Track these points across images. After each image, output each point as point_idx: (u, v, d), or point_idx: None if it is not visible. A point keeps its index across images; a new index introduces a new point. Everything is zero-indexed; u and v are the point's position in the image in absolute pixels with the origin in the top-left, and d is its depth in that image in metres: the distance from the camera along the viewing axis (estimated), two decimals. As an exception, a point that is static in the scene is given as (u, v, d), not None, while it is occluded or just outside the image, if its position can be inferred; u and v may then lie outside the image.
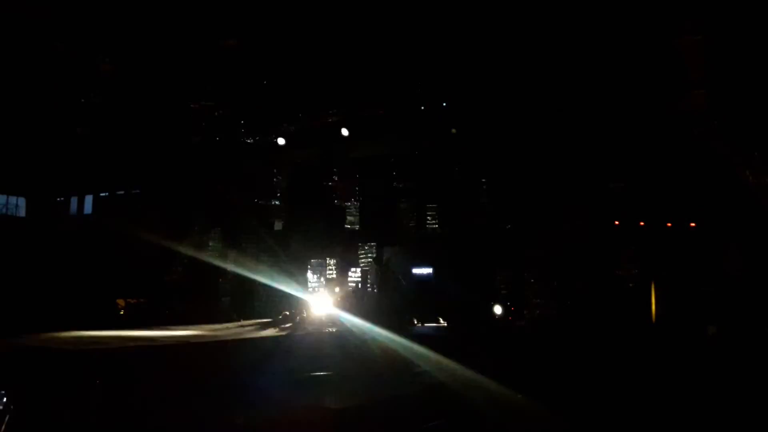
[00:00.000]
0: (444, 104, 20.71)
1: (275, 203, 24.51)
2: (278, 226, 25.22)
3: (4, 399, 9.35)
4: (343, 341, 17.83)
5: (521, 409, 10.61)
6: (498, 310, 18.83)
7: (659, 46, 16.25)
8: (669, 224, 18.99)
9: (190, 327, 19.70)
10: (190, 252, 24.89)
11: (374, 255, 25.79)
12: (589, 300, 19.75)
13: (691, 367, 13.76)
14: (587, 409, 10.10)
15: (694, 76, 16.28)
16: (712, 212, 18.05)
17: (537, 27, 16.51)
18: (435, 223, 23.91)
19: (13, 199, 29.67)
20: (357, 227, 24.47)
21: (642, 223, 19.21)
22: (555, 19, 16.34)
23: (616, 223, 19.73)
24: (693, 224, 18.81)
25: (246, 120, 21.48)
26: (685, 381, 12.51)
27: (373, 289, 25.14)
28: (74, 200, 30.90)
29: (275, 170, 24.04)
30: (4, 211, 29.42)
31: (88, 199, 30.60)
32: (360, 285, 25.33)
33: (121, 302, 22.59)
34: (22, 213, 30.00)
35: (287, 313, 22.30)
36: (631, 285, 19.31)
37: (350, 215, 24.34)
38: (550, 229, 19.45)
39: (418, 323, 21.22)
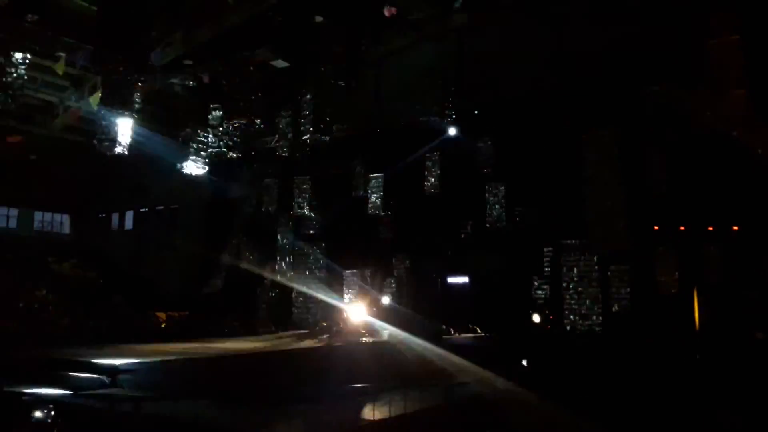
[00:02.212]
0: (476, 112, 20.62)
1: (311, 215, 24.71)
2: (315, 237, 25.40)
3: (52, 413, 9.64)
4: (380, 352, 17.85)
5: (561, 423, 10.46)
6: (536, 318, 18.61)
7: (697, 47, 15.92)
8: (711, 228, 18.54)
9: (230, 339, 19.95)
10: (228, 265, 25.26)
11: (409, 265, 25.78)
12: (632, 306, 19.40)
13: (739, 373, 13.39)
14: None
15: (733, 77, 15.87)
16: (755, 214, 17.57)
17: (572, 33, 16.24)
18: (471, 233, 23.84)
19: (57, 216, 30.66)
20: (392, 237, 24.49)
21: (682, 228, 18.78)
22: (593, 24, 16.09)
23: (656, 228, 19.34)
24: (736, 227, 18.33)
25: (280, 133, 21.72)
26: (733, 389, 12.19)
27: (409, 298, 25.12)
28: (115, 216, 31.75)
29: (311, 182, 24.29)
30: (49, 228, 30.40)
31: (129, 215, 31.41)
32: (396, 294, 25.33)
33: (162, 315, 22.98)
34: (66, 230, 30.95)
35: (324, 324, 22.42)
36: (673, 291, 18.87)
37: (385, 226, 24.38)
38: (590, 235, 19.14)
39: (454, 333, 21.09)
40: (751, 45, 14.08)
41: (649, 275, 19.15)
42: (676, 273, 18.82)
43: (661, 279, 19.05)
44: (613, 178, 18.41)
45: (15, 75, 17.22)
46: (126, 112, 16.59)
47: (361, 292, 25.38)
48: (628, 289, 19.58)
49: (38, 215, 30.13)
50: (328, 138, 22.49)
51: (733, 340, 16.00)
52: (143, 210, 30.71)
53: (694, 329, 17.49)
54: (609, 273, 19.87)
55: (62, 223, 30.82)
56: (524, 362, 13.26)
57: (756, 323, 16.64)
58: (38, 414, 9.56)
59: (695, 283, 18.16)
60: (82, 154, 22.89)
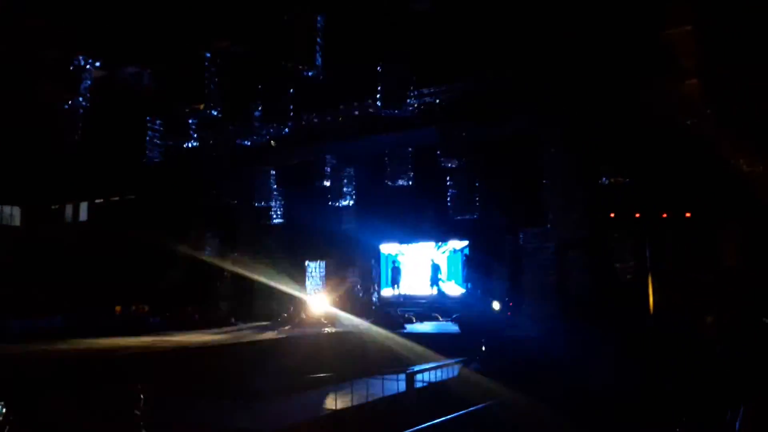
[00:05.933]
0: (438, 101, 20.62)
1: (271, 205, 24.46)
2: (275, 227, 25.19)
3: (4, 410, 9.35)
4: (342, 341, 17.82)
5: (517, 407, 10.63)
6: (496, 305, 18.79)
7: (651, 37, 16.22)
8: (665, 215, 18.98)
9: (189, 332, 19.67)
10: (187, 257, 24.86)
11: (372, 253, 25.82)
12: (589, 293, 19.76)
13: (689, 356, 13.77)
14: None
15: (687, 66, 16.24)
16: (708, 201, 18.05)
17: (533, 19, 16.33)
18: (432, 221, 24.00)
19: (7, 209, 29.69)
20: (354, 226, 24.44)
21: (638, 215, 19.19)
22: (551, 13, 16.21)
23: (612, 215, 19.72)
24: (688, 214, 18.80)
25: (239, 122, 21.38)
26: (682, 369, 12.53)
27: (371, 287, 25.17)
28: (69, 208, 30.90)
29: (271, 172, 24.01)
30: (-2, 220, 29.44)
31: (83, 206, 30.61)
32: (358, 284, 25.33)
33: (118, 309, 22.52)
34: (17, 222, 30.01)
35: (285, 315, 22.28)
36: (628, 276, 19.29)
37: (347, 215, 24.30)
38: (547, 222, 19.43)
39: (416, 321, 21.20)
40: (705, 35, 14.42)
41: (605, 261, 19.55)
42: (632, 258, 19.26)
43: (617, 265, 19.47)
44: (571, 166, 18.75)
45: None
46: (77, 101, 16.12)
47: (325, 281, 25.34)
48: (585, 275, 19.98)
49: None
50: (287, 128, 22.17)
51: (686, 323, 16.41)
52: (98, 201, 29.98)
53: (648, 313, 17.91)
54: (567, 260, 20.25)
55: (12, 215, 29.88)
56: (483, 348, 13.39)
57: (707, 307, 17.09)
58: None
59: (649, 269, 18.58)
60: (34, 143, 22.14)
